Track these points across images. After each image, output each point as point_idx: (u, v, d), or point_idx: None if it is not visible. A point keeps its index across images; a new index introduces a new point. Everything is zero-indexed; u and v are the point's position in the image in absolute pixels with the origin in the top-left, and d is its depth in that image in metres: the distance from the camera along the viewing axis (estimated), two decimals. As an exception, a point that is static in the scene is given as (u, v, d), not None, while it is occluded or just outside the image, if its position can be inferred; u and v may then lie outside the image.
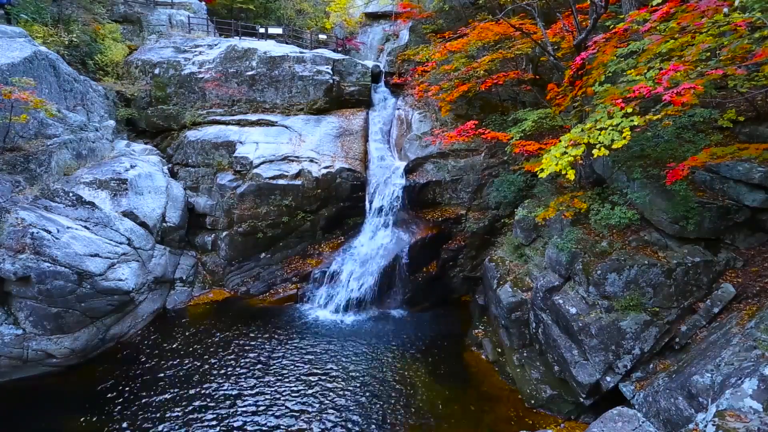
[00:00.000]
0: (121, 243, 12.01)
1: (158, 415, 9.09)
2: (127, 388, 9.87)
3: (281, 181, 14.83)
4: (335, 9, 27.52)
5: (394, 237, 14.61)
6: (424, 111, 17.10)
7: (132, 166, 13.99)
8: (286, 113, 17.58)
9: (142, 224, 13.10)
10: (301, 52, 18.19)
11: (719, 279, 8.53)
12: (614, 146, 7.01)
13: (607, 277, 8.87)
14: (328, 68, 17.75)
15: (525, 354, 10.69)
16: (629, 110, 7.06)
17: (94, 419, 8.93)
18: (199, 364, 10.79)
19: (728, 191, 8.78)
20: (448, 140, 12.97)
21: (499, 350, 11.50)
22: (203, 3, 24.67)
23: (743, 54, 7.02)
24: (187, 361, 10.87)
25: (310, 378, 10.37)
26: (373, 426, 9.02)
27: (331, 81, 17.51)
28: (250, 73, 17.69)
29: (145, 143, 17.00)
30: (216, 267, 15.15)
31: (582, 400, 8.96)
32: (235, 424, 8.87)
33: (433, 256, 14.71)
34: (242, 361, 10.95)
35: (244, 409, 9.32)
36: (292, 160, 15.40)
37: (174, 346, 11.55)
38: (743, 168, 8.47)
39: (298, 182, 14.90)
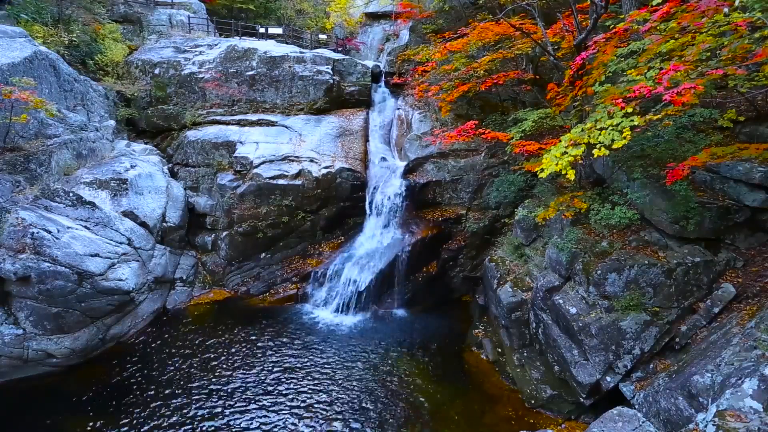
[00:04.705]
0: (121, 243, 12.01)
1: (158, 415, 9.09)
2: (127, 388, 9.87)
3: (281, 181, 14.84)
4: (335, 9, 27.52)
5: (395, 237, 14.61)
6: (424, 111, 17.09)
7: (132, 166, 14.00)
8: (286, 113, 17.58)
9: (143, 224, 13.10)
10: (301, 52, 18.19)
11: (719, 279, 8.52)
12: (614, 146, 7.02)
13: (607, 277, 8.87)
14: (328, 68, 17.75)
15: (525, 354, 10.69)
16: (629, 110, 7.07)
17: (95, 419, 8.93)
18: (199, 364, 10.80)
19: (728, 191, 8.78)
20: (448, 140, 12.96)
21: (499, 350, 11.50)
22: (203, 3, 24.67)
23: (743, 54, 7.03)
24: (187, 362, 10.88)
25: (311, 378, 10.37)
26: (373, 426, 9.02)
27: (331, 81, 17.51)
28: (250, 73, 17.69)
29: (145, 143, 17.02)
30: (216, 267, 15.15)
31: (582, 400, 8.96)
32: (236, 425, 8.88)
33: (433, 255, 14.70)
34: (242, 361, 10.95)
35: (245, 409, 9.32)
36: (293, 160, 15.40)
37: (174, 346, 11.55)
38: (743, 168, 8.48)
39: (298, 182, 14.90)
